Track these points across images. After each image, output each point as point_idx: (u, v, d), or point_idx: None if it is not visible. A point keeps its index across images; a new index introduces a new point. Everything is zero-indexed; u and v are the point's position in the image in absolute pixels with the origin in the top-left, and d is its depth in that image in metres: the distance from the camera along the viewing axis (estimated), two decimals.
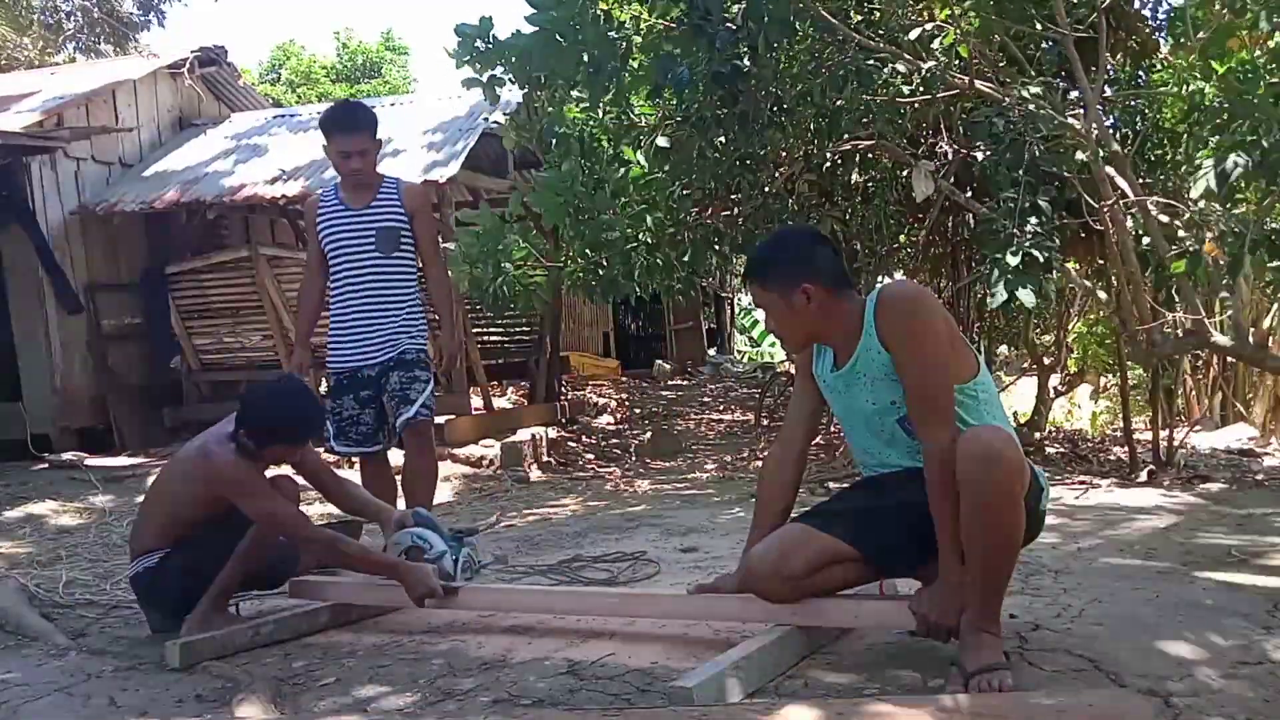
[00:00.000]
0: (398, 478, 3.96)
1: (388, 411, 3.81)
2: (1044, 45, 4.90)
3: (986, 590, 2.09)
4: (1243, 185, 3.91)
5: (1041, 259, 4.32)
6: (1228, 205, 4.02)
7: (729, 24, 4.51)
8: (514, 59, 4.83)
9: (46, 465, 6.90)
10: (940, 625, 2.16)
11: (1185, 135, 4.71)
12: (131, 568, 2.96)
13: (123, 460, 7.22)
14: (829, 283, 2.27)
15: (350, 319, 3.80)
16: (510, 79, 5.01)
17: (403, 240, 3.81)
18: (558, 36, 4.55)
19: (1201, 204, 4.01)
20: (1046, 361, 7.34)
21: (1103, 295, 5.57)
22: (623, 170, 5.03)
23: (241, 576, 2.90)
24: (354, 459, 4.13)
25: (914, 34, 4.49)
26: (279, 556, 3.04)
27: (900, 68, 4.84)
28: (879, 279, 7.84)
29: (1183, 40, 4.25)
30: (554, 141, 5.19)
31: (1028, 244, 4.29)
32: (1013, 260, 4.27)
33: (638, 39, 4.78)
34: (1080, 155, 4.31)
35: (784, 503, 2.53)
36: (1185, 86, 4.25)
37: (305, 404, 2.97)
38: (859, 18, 4.99)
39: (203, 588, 2.83)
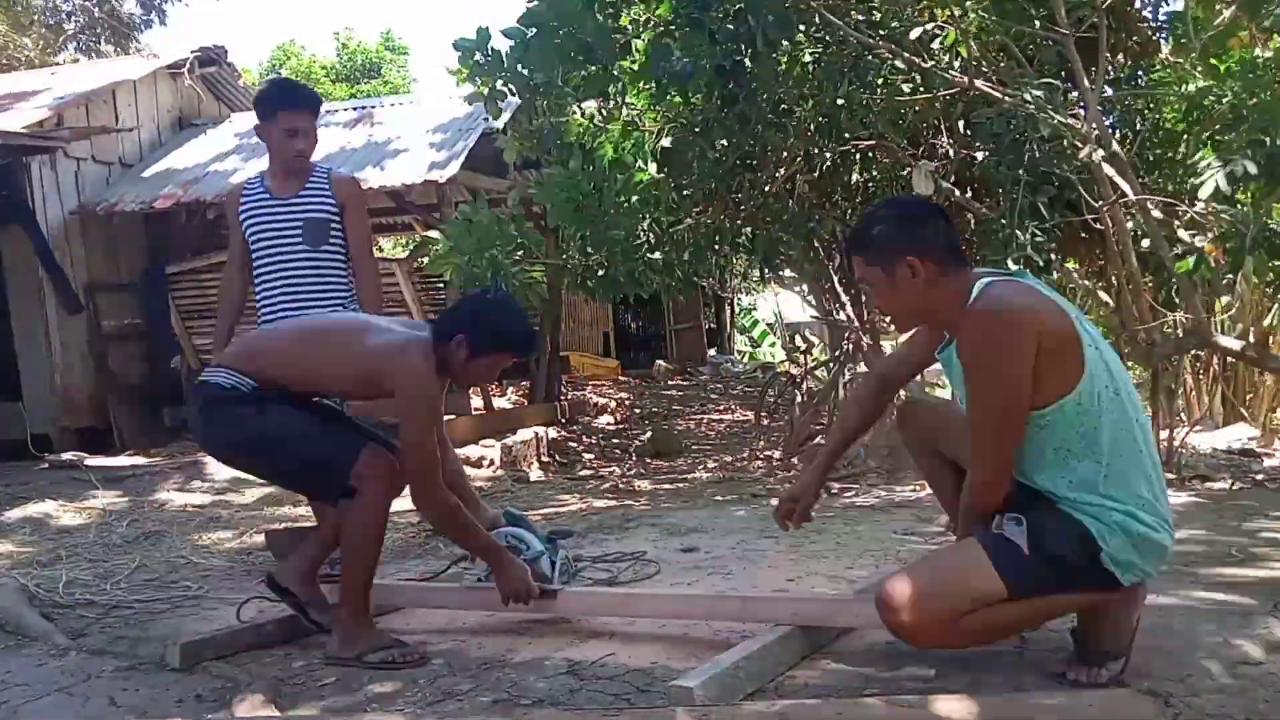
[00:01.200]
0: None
1: None
2: (1044, 45, 4.89)
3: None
4: (1247, 187, 3.91)
5: (1041, 263, 4.33)
6: (1229, 206, 4.02)
7: (728, 20, 4.51)
8: (517, 63, 4.82)
9: (46, 465, 6.90)
10: None
11: (1185, 135, 4.72)
12: (209, 373, 2.65)
13: (123, 460, 7.22)
14: (939, 257, 2.07)
15: (275, 316, 3.46)
16: (510, 90, 5.00)
17: (333, 233, 3.49)
18: (553, 24, 4.55)
19: (1201, 204, 4.01)
20: None
21: (1103, 295, 5.56)
22: (625, 172, 5.03)
23: (367, 574, 2.59)
24: None
25: (915, 33, 4.49)
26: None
27: (899, 64, 4.84)
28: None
29: (1183, 40, 4.25)
30: (556, 146, 5.19)
31: (1026, 249, 4.30)
32: (1011, 265, 4.28)
33: (638, 42, 4.78)
34: (1080, 155, 4.30)
35: (859, 426, 2.53)
36: (1185, 86, 4.25)
37: (525, 316, 2.76)
38: (860, 18, 4.99)
39: (262, 434, 2.55)
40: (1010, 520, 2.04)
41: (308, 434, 2.59)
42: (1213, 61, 4.11)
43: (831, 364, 8.17)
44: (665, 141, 5.10)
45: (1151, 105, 5.18)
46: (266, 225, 3.46)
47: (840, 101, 5.12)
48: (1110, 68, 5.17)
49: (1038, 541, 1.99)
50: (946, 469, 2.35)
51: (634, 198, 5.08)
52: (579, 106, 5.18)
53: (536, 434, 7.91)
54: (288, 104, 3.43)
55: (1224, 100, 4.05)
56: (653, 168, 5.03)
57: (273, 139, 3.44)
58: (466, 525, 2.64)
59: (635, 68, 4.74)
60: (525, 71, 4.88)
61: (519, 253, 5.11)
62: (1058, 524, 2.01)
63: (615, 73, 4.78)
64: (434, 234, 6.24)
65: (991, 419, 2.02)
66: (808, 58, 5.12)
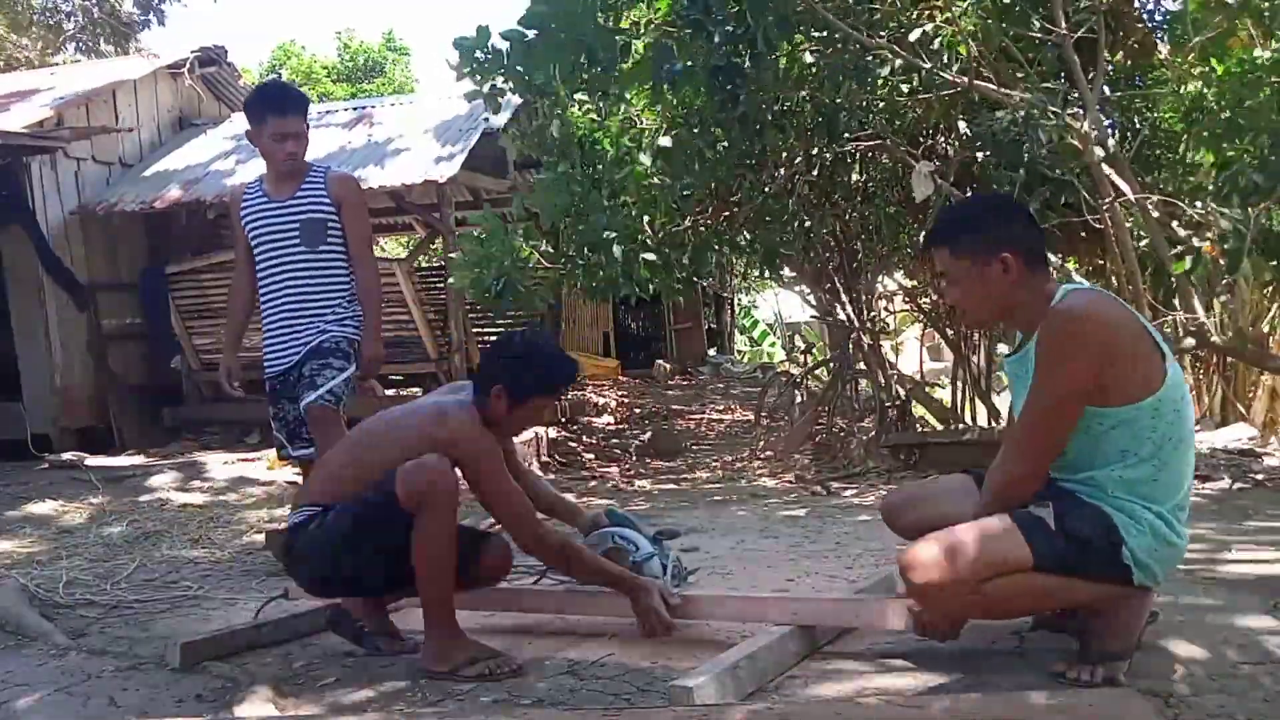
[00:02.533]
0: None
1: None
2: (1044, 47, 4.90)
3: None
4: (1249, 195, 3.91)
5: None
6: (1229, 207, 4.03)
7: (729, 21, 4.51)
8: (518, 65, 4.83)
9: (46, 465, 6.90)
10: (934, 625, 2.16)
11: (1185, 136, 4.72)
12: (291, 518, 2.63)
13: (123, 460, 7.22)
14: (1029, 257, 2.10)
15: (277, 319, 3.50)
16: (510, 88, 5.01)
17: (330, 233, 3.48)
18: (553, 25, 4.56)
19: (1201, 204, 4.02)
20: None
21: None
22: (624, 170, 5.04)
23: (448, 584, 2.47)
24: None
25: (915, 34, 4.49)
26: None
27: (899, 64, 4.84)
28: (879, 280, 7.87)
29: (1183, 39, 4.25)
30: (555, 145, 5.20)
31: None
32: None
33: (638, 43, 4.78)
34: (1080, 156, 4.31)
35: None
36: (1184, 86, 4.25)
37: (559, 350, 2.72)
38: (861, 18, 4.99)
39: (350, 552, 2.46)
40: (1037, 502, 2.08)
41: (359, 510, 2.47)
42: (1212, 61, 4.11)
43: (831, 364, 8.17)
44: (664, 141, 5.11)
45: (1150, 106, 5.18)
46: (265, 228, 3.48)
47: (840, 101, 5.12)
48: (1109, 68, 5.18)
49: (1063, 521, 2.03)
50: None
51: (632, 197, 5.09)
52: (577, 103, 5.18)
53: (536, 434, 7.90)
54: (274, 110, 3.42)
55: (1220, 103, 4.06)
56: (645, 159, 5.03)
57: (263, 145, 3.45)
58: (581, 560, 2.61)
59: (636, 69, 4.75)
60: (525, 72, 4.89)
61: (528, 261, 5.14)
62: (1084, 511, 2.05)
63: (615, 74, 4.78)
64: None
65: (1049, 413, 2.06)
66: (809, 58, 5.12)
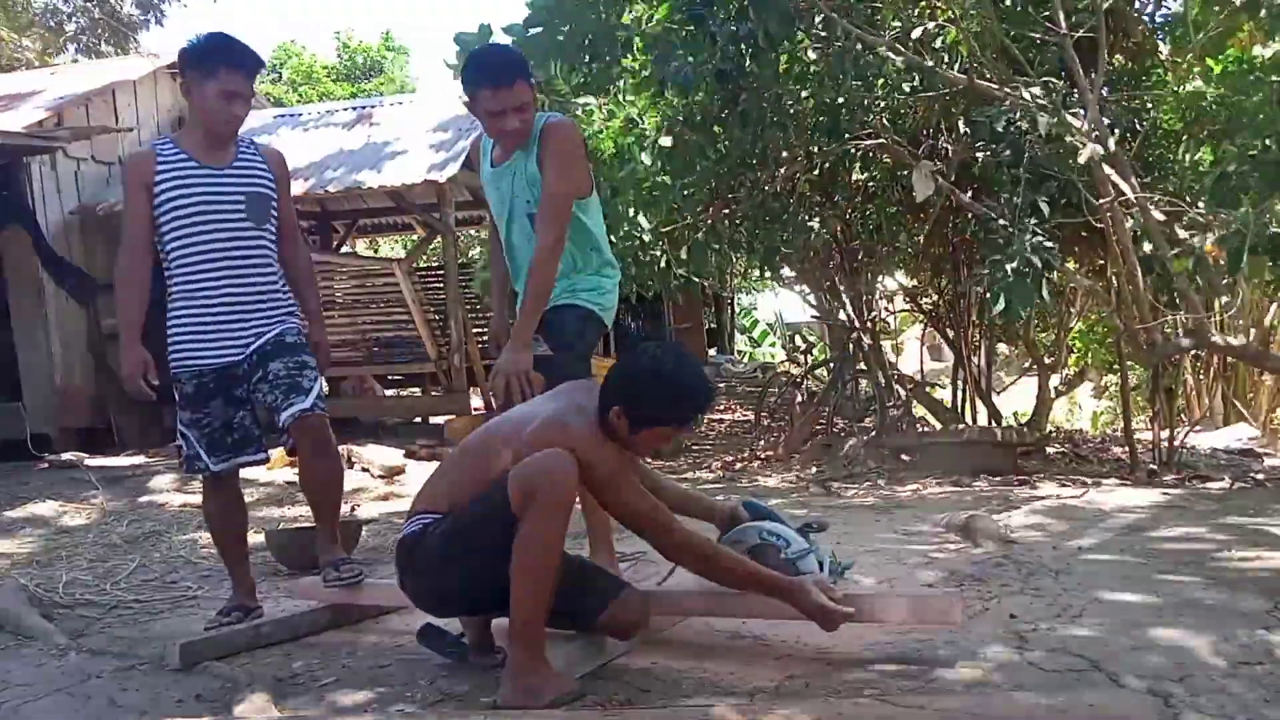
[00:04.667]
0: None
1: (261, 409, 3.03)
2: (1044, 48, 4.90)
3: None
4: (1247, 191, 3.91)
5: (1040, 264, 4.33)
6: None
7: (730, 20, 4.51)
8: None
9: (46, 465, 6.90)
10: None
11: (1185, 136, 4.72)
12: (405, 528, 2.41)
13: (123, 460, 7.22)
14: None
15: (217, 304, 3.01)
16: None
17: (272, 210, 3.07)
18: (555, 22, 4.57)
19: (1202, 204, 4.02)
20: (1047, 361, 7.34)
21: (1103, 295, 5.57)
22: (624, 169, 5.04)
23: (543, 603, 2.17)
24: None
25: (917, 32, 4.50)
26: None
27: (899, 63, 4.84)
28: (879, 280, 7.87)
29: (1183, 40, 4.25)
30: None
31: (1027, 251, 4.30)
32: (1010, 269, 4.28)
33: (639, 41, 4.79)
34: (1081, 155, 4.31)
35: None
36: (1183, 86, 4.26)
37: (701, 373, 2.37)
38: (862, 16, 5.00)
39: (463, 562, 2.25)
40: None
41: (470, 517, 2.28)
42: (1208, 61, 4.11)
43: (831, 364, 8.17)
44: (665, 140, 5.11)
45: (1151, 105, 5.18)
46: (199, 197, 2.95)
47: (841, 100, 5.13)
48: (1110, 67, 5.18)
49: None
50: None
51: (632, 196, 5.09)
52: (579, 103, 5.18)
53: None
54: (232, 61, 2.93)
55: (1218, 103, 4.06)
56: (646, 158, 5.03)
57: (207, 99, 2.91)
58: (732, 570, 2.32)
59: (637, 68, 4.76)
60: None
61: None
62: None
63: (615, 71, 4.79)
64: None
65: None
66: (811, 55, 5.13)
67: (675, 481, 2.86)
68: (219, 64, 2.91)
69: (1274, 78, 3.98)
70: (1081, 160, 4.16)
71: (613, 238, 5.02)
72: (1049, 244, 4.44)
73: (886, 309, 9.13)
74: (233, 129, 2.99)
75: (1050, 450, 6.74)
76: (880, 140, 5.35)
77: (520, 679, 2.13)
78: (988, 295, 4.50)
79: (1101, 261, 5.97)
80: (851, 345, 7.42)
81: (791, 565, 2.41)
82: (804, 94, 5.35)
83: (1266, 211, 3.88)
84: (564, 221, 2.85)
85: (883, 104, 5.28)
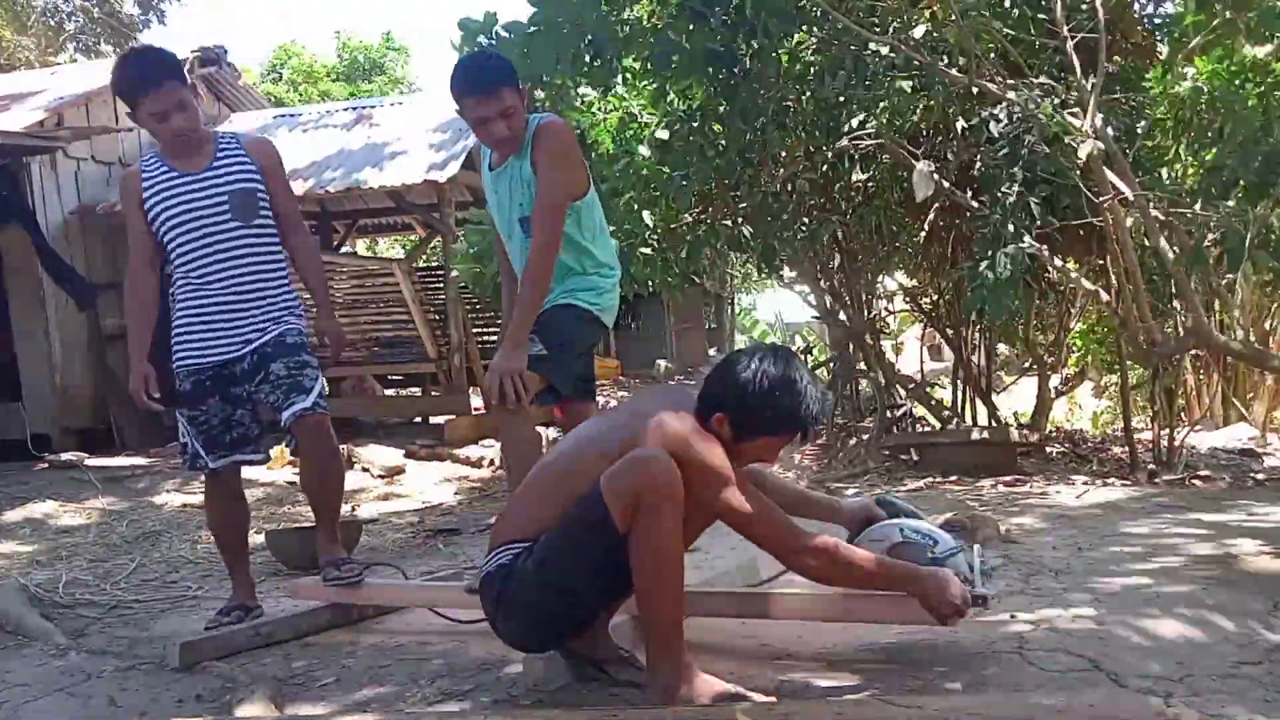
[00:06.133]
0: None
1: (263, 408, 3.06)
2: (1044, 48, 4.90)
3: None
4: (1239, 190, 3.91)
5: (1015, 269, 4.32)
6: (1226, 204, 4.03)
7: (729, 13, 4.52)
8: (524, 52, 4.82)
9: (46, 465, 6.90)
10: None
11: (1180, 136, 4.72)
12: (492, 560, 2.17)
13: (123, 460, 7.21)
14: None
15: (211, 305, 3.03)
16: None
17: (261, 205, 3.04)
18: (557, 18, 4.56)
19: (1200, 204, 4.02)
20: (1047, 361, 7.34)
21: (1103, 295, 5.57)
22: (623, 165, 5.04)
23: (677, 603, 2.03)
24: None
25: (918, 31, 4.50)
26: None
27: (899, 62, 4.84)
28: (879, 280, 7.87)
29: (1181, 42, 4.25)
30: None
31: (1006, 253, 4.30)
32: (990, 275, 4.28)
33: (639, 39, 4.79)
34: (1081, 151, 4.31)
35: None
36: (1175, 86, 4.25)
37: (817, 381, 2.21)
38: (862, 15, 5.00)
39: (564, 583, 2.06)
40: None
41: (561, 537, 2.08)
42: (1197, 61, 4.11)
43: (831, 364, 8.17)
44: (662, 133, 5.10)
45: (1150, 105, 5.18)
46: (181, 206, 2.98)
47: (841, 99, 5.12)
48: (1108, 67, 5.18)
49: None
50: None
51: (631, 194, 5.10)
52: (578, 96, 5.18)
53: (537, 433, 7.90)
54: (148, 84, 2.90)
55: (1203, 102, 4.06)
56: (645, 151, 5.03)
57: (147, 125, 2.98)
58: (850, 563, 2.13)
59: (637, 66, 4.76)
60: (529, 64, 4.89)
61: None
62: None
63: (615, 66, 4.79)
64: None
65: None
66: (811, 54, 5.13)
67: (791, 480, 2.70)
68: (137, 94, 2.93)
69: (1266, 79, 3.98)
70: (1082, 155, 4.15)
71: (613, 237, 5.02)
72: (1032, 248, 4.45)
73: (886, 309, 9.12)
74: (186, 139, 2.99)
75: (1050, 450, 6.74)
76: (880, 140, 5.35)
77: (668, 689, 2.00)
78: (969, 293, 4.51)
79: (1101, 262, 5.97)
80: (851, 345, 7.42)
81: (939, 563, 2.21)
82: (804, 92, 5.35)
83: (1265, 207, 3.89)
84: (558, 222, 2.83)
85: (883, 104, 5.27)
